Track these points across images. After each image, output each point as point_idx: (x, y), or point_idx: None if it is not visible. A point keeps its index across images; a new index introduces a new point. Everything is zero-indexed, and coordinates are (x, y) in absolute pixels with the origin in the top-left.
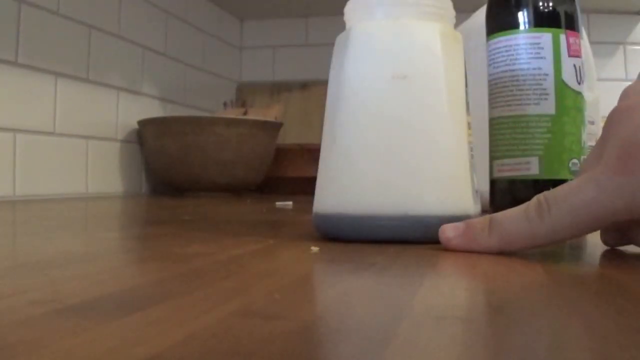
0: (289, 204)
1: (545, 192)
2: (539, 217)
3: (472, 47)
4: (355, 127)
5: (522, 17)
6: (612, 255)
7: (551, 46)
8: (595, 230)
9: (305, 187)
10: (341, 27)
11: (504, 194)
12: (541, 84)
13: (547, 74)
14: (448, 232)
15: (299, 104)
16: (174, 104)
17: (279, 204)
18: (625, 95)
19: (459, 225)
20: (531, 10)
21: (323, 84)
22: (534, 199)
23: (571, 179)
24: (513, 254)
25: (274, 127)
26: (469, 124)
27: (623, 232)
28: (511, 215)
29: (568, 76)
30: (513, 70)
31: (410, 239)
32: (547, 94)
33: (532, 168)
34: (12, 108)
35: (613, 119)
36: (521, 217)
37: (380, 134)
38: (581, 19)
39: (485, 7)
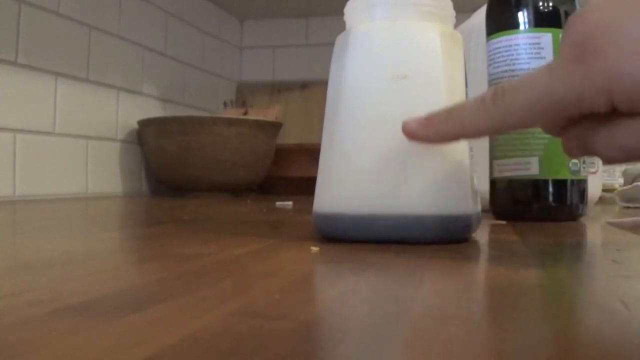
0: (289, 204)
1: (504, 82)
2: (492, 102)
3: (472, 47)
4: (355, 127)
5: (522, 17)
6: (611, 256)
7: (551, 46)
8: (547, 119)
9: (305, 187)
10: (341, 27)
11: (504, 194)
12: None
13: None
14: (411, 124)
15: (299, 104)
16: (174, 104)
17: (279, 204)
18: None
19: (421, 116)
20: (531, 10)
21: (323, 84)
22: (491, 88)
23: (571, 179)
24: (513, 255)
25: (274, 127)
26: None
27: (583, 141)
28: (467, 102)
29: None
30: (513, 70)
31: (410, 239)
32: None
33: (532, 168)
34: (12, 108)
35: (571, 20)
36: (477, 104)
37: (380, 134)
38: None
39: (485, 7)
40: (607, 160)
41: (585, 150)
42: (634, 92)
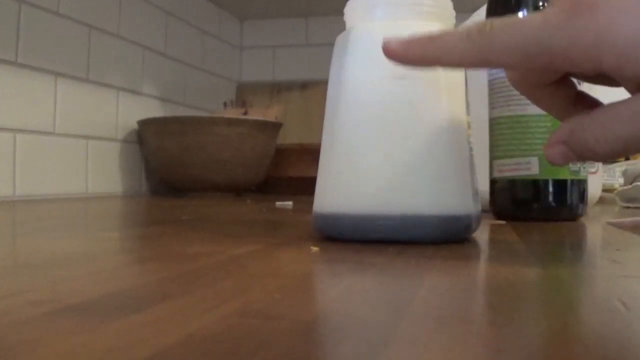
0: (289, 204)
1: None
2: (478, 35)
3: None
4: (355, 127)
5: (522, 17)
6: (611, 256)
7: None
8: (528, 65)
9: (305, 187)
10: (341, 27)
11: (504, 194)
12: None
13: None
14: (392, 43)
15: (299, 104)
16: (174, 104)
17: (279, 204)
18: None
19: (404, 37)
20: (531, 10)
21: (323, 84)
22: (481, 21)
23: (571, 179)
24: (513, 255)
25: (274, 127)
26: (469, 124)
27: (571, 142)
28: (454, 31)
29: None
30: None
31: (410, 239)
32: None
33: (532, 168)
34: (12, 108)
35: None
36: (463, 34)
37: (380, 134)
38: None
39: (485, 7)
40: (600, 157)
41: (574, 153)
42: (622, 51)
